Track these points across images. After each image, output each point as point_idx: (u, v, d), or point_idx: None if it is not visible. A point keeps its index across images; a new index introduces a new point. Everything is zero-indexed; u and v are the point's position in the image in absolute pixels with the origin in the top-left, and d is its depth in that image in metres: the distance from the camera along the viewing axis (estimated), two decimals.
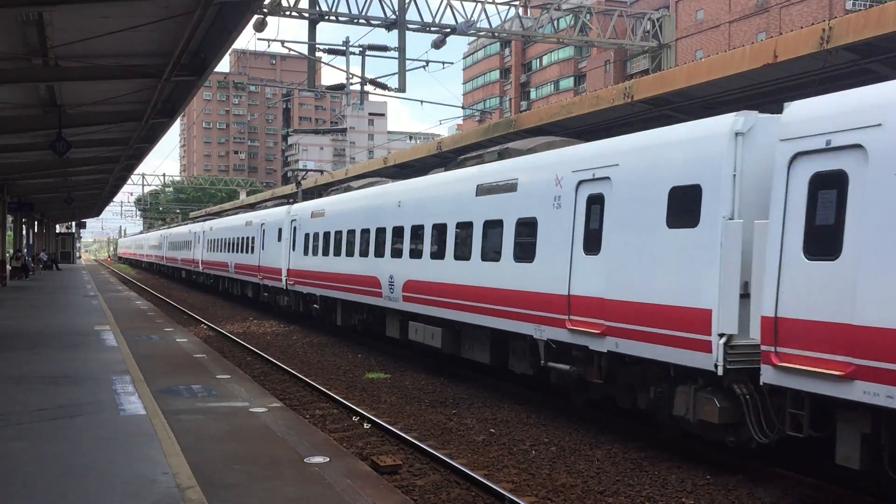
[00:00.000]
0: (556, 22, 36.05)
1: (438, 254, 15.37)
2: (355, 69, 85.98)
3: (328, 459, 8.10)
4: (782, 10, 57.91)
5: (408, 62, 28.22)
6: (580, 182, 11.34)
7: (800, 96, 8.75)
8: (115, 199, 79.09)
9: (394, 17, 28.11)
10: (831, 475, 9.01)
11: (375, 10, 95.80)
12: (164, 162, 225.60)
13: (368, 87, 29.91)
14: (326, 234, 22.51)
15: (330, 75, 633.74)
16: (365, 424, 11.91)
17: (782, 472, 9.24)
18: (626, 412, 11.60)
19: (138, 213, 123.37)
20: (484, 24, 31.43)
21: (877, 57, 13.10)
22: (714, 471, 9.62)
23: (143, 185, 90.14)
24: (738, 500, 8.66)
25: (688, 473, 9.57)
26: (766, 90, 15.14)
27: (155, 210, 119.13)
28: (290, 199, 36.05)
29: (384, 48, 28.86)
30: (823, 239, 7.75)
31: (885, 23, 12.19)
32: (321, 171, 46.86)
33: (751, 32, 60.40)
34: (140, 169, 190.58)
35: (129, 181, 64.18)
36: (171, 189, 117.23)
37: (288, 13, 27.64)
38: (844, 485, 8.78)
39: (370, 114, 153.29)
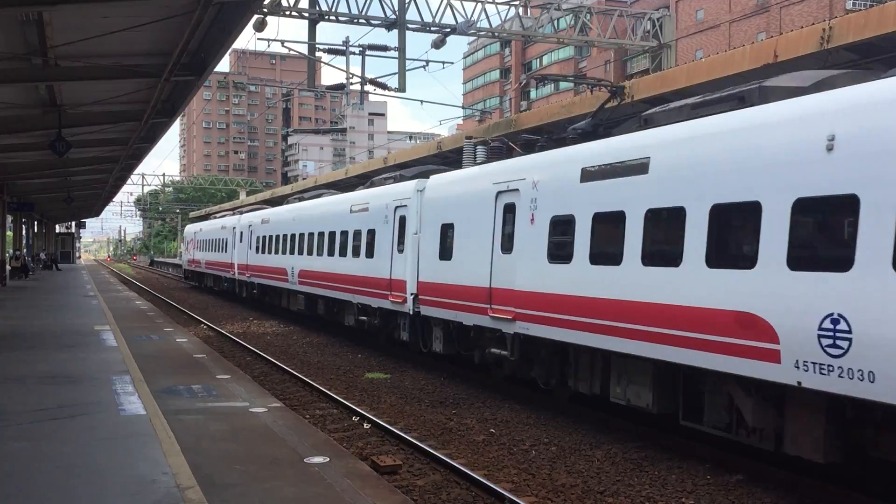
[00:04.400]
0: (556, 22, 36.01)
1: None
2: (355, 69, 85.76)
3: (328, 459, 8.10)
4: (782, 10, 57.91)
5: (408, 62, 28.24)
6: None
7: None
8: (114, 199, 79.15)
9: (394, 17, 28.11)
10: (832, 475, 9.01)
11: (375, 10, 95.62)
12: (163, 162, 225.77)
13: (368, 87, 29.91)
14: None
15: (330, 75, 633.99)
16: (365, 424, 11.91)
17: (782, 472, 9.24)
18: (626, 412, 11.61)
19: (138, 212, 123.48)
20: (484, 24, 31.43)
21: (877, 57, 13.10)
22: (714, 471, 9.63)
23: (143, 185, 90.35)
24: (738, 500, 8.66)
25: (688, 473, 9.57)
26: None
27: (155, 210, 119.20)
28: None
29: (384, 48, 28.85)
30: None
31: (885, 23, 12.19)
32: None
33: (751, 32, 60.39)
34: (140, 169, 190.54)
35: (129, 181, 64.18)
36: (170, 189, 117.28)
37: (288, 13, 27.64)
38: (844, 485, 8.78)
39: (370, 114, 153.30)
